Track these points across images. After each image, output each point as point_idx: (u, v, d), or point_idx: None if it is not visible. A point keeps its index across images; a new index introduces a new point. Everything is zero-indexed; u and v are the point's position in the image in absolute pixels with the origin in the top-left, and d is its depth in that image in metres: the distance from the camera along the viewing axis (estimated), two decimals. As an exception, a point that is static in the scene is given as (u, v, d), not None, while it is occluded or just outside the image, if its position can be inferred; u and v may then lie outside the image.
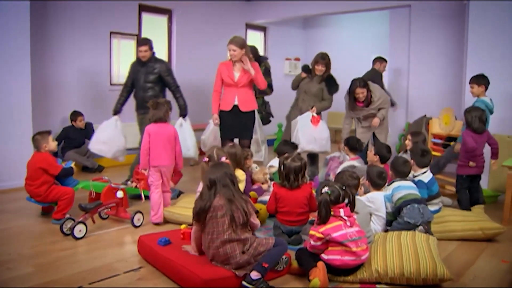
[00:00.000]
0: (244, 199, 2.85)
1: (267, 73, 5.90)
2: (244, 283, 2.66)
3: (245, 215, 2.77)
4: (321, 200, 2.85)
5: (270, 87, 5.91)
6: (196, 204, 2.83)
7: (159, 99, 4.35)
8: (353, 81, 5.09)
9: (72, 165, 4.22)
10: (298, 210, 3.42)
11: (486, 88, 4.67)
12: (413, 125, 6.55)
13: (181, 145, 4.23)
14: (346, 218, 2.83)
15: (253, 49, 5.63)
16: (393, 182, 3.75)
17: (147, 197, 4.55)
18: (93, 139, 5.09)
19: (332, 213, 2.83)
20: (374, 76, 6.50)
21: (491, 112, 4.68)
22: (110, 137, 4.99)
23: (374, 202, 3.62)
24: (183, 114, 5.08)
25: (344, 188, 2.90)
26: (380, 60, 6.93)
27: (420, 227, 3.44)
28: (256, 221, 2.91)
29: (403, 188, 3.64)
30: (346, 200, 2.89)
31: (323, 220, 2.82)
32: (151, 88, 4.95)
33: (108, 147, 4.99)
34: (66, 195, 3.93)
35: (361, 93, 5.03)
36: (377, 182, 3.72)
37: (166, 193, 4.21)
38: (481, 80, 4.66)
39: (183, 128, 5.02)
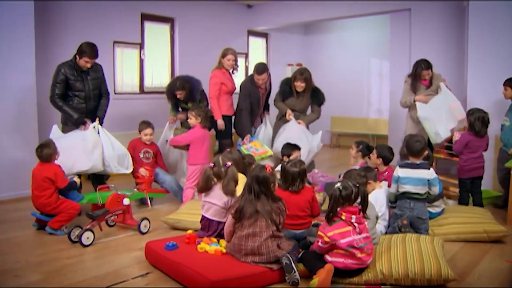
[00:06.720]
0: (279, 207, 3.06)
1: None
2: (288, 261, 2.85)
3: (280, 218, 3.04)
4: (331, 195, 2.89)
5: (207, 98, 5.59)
6: (238, 203, 3.07)
7: (207, 108, 5.00)
8: (418, 63, 5.00)
9: (75, 178, 4.11)
10: (299, 214, 3.40)
11: None
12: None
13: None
14: (356, 224, 2.82)
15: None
16: (403, 167, 3.71)
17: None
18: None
19: (343, 217, 2.83)
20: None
21: None
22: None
23: (376, 202, 3.63)
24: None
25: (358, 185, 2.91)
26: None
27: (405, 221, 3.52)
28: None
29: (409, 182, 3.62)
30: (359, 200, 2.89)
31: (329, 216, 2.85)
32: None
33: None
34: (73, 210, 3.89)
35: (427, 74, 5.02)
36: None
37: None
38: None
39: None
